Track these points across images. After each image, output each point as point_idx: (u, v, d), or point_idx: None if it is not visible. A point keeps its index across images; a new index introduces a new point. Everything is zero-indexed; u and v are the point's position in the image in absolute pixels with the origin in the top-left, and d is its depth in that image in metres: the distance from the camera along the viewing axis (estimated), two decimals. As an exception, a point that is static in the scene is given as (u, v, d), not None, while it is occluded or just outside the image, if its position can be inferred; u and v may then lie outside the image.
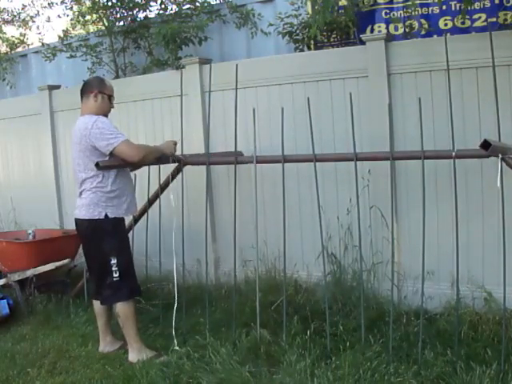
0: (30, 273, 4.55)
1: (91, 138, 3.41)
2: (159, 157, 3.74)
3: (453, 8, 4.73)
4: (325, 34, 5.24)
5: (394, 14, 4.98)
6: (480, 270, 3.76)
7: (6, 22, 7.32)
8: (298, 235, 4.42)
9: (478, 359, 3.07)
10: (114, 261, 3.49)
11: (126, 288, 3.54)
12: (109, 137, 3.41)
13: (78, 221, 3.61)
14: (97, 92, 3.59)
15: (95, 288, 3.72)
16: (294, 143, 4.19)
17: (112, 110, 3.75)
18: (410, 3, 4.80)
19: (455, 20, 4.72)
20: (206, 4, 5.93)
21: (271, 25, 5.46)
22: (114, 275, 3.50)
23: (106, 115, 3.63)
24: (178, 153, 4.03)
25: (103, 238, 3.52)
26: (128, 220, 4.02)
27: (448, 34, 4.25)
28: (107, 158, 3.46)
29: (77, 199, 3.61)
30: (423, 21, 4.88)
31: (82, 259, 3.92)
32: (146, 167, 3.91)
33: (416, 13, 4.87)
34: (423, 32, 4.89)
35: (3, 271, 4.75)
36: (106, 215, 3.50)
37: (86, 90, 3.63)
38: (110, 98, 3.67)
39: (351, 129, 3.43)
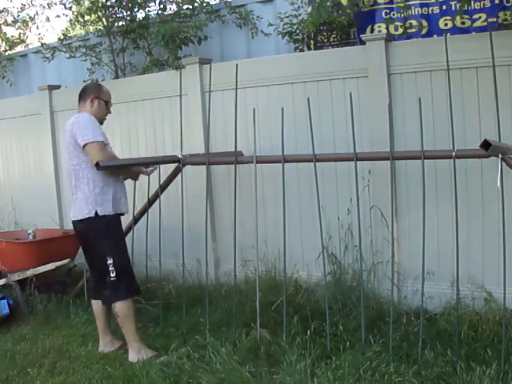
0: (30, 273, 4.55)
1: (75, 130, 3.46)
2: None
3: (453, 8, 4.72)
4: (325, 34, 5.23)
5: (394, 14, 4.98)
6: (480, 270, 3.76)
7: (6, 24, 7.30)
8: (298, 235, 4.42)
9: (478, 359, 3.07)
10: (110, 261, 3.51)
11: (124, 288, 3.55)
12: (86, 132, 3.43)
13: (73, 222, 3.67)
14: (93, 97, 3.63)
15: (95, 288, 3.73)
16: (294, 143, 4.19)
17: (112, 110, 3.78)
18: (401, 5, 4.81)
19: (455, 20, 4.72)
20: (204, 4, 5.93)
21: (271, 25, 5.46)
22: (111, 275, 3.51)
23: (101, 122, 3.66)
24: (178, 153, 4.04)
25: (97, 237, 3.54)
26: (128, 220, 4.03)
27: (448, 34, 4.25)
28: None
29: None
30: (423, 21, 4.87)
31: (82, 259, 3.92)
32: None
33: (409, 13, 4.87)
34: (423, 32, 4.88)
35: (3, 271, 4.75)
36: (96, 213, 3.51)
37: (83, 95, 3.68)
38: (107, 103, 3.70)
39: (351, 129, 3.43)
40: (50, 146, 5.97)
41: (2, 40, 7.61)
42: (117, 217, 3.63)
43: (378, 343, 3.32)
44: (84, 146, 3.44)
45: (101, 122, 3.67)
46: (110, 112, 3.75)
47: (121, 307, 3.54)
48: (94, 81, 6.32)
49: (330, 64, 4.23)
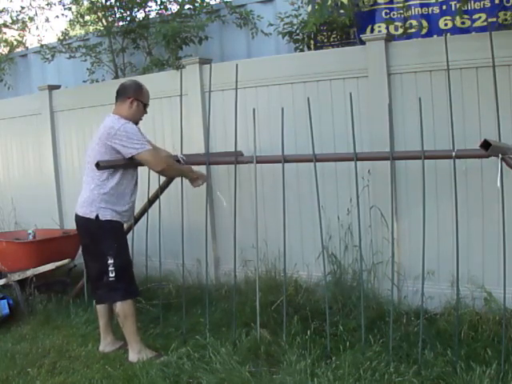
0: (30, 273, 4.55)
1: (114, 139, 3.44)
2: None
3: (453, 8, 4.72)
4: (325, 34, 5.24)
5: (394, 14, 4.98)
6: (480, 270, 3.76)
7: (5, 26, 7.30)
8: (298, 235, 4.42)
9: (478, 359, 3.06)
10: (110, 261, 3.51)
11: (121, 289, 3.55)
12: (135, 142, 3.46)
13: (76, 216, 3.65)
14: (134, 99, 3.62)
15: (92, 286, 3.73)
16: (294, 143, 4.19)
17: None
18: (401, 5, 4.81)
19: (455, 20, 4.72)
20: (205, 4, 5.93)
21: (271, 25, 5.47)
22: (110, 275, 3.51)
23: (136, 122, 3.66)
24: (178, 153, 4.05)
25: (97, 237, 3.54)
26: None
27: (448, 34, 4.25)
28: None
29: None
30: (423, 21, 4.88)
31: (82, 259, 3.92)
32: (145, 167, 3.90)
33: (409, 13, 4.87)
34: (423, 32, 4.88)
35: (3, 271, 4.75)
36: (97, 216, 3.51)
37: (122, 94, 3.65)
38: (146, 106, 3.71)
39: (351, 129, 3.43)
40: (49, 146, 5.96)
41: (1, 41, 7.62)
42: (119, 222, 3.62)
43: (378, 343, 3.31)
44: (134, 156, 3.48)
45: (136, 123, 3.67)
46: (146, 113, 3.76)
47: (121, 308, 3.54)
48: (95, 81, 6.34)
49: (330, 64, 4.23)
